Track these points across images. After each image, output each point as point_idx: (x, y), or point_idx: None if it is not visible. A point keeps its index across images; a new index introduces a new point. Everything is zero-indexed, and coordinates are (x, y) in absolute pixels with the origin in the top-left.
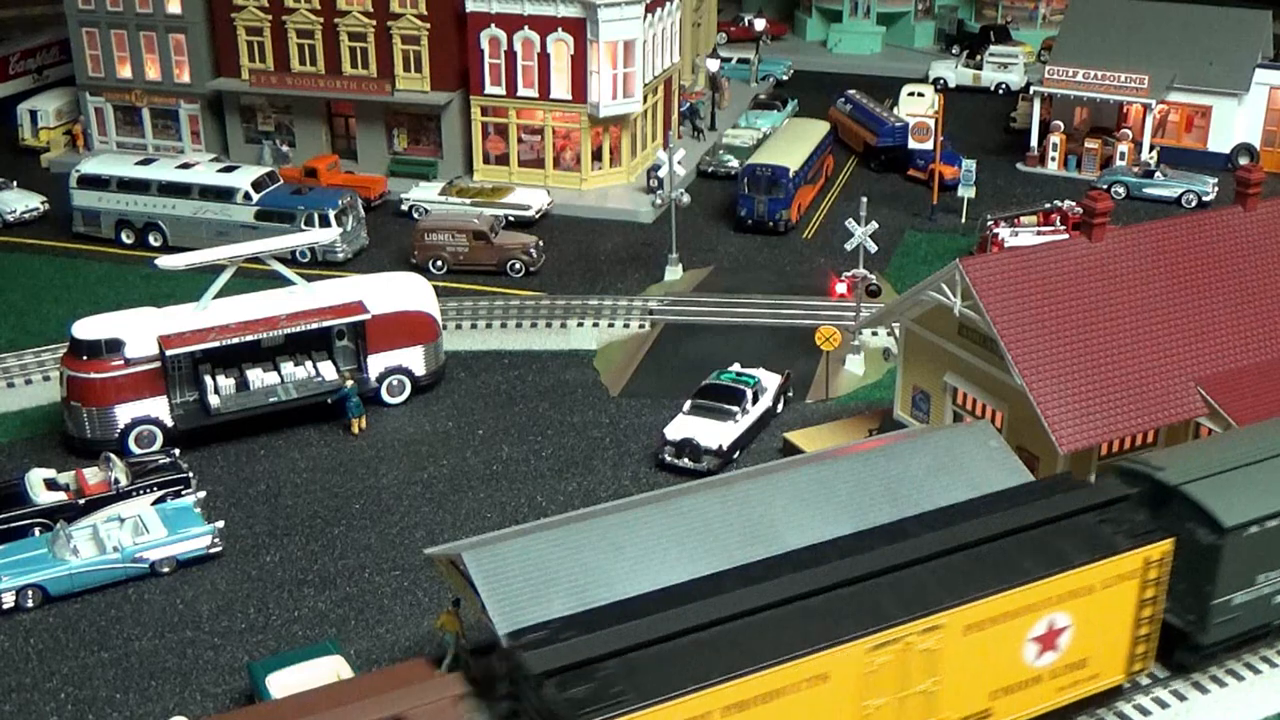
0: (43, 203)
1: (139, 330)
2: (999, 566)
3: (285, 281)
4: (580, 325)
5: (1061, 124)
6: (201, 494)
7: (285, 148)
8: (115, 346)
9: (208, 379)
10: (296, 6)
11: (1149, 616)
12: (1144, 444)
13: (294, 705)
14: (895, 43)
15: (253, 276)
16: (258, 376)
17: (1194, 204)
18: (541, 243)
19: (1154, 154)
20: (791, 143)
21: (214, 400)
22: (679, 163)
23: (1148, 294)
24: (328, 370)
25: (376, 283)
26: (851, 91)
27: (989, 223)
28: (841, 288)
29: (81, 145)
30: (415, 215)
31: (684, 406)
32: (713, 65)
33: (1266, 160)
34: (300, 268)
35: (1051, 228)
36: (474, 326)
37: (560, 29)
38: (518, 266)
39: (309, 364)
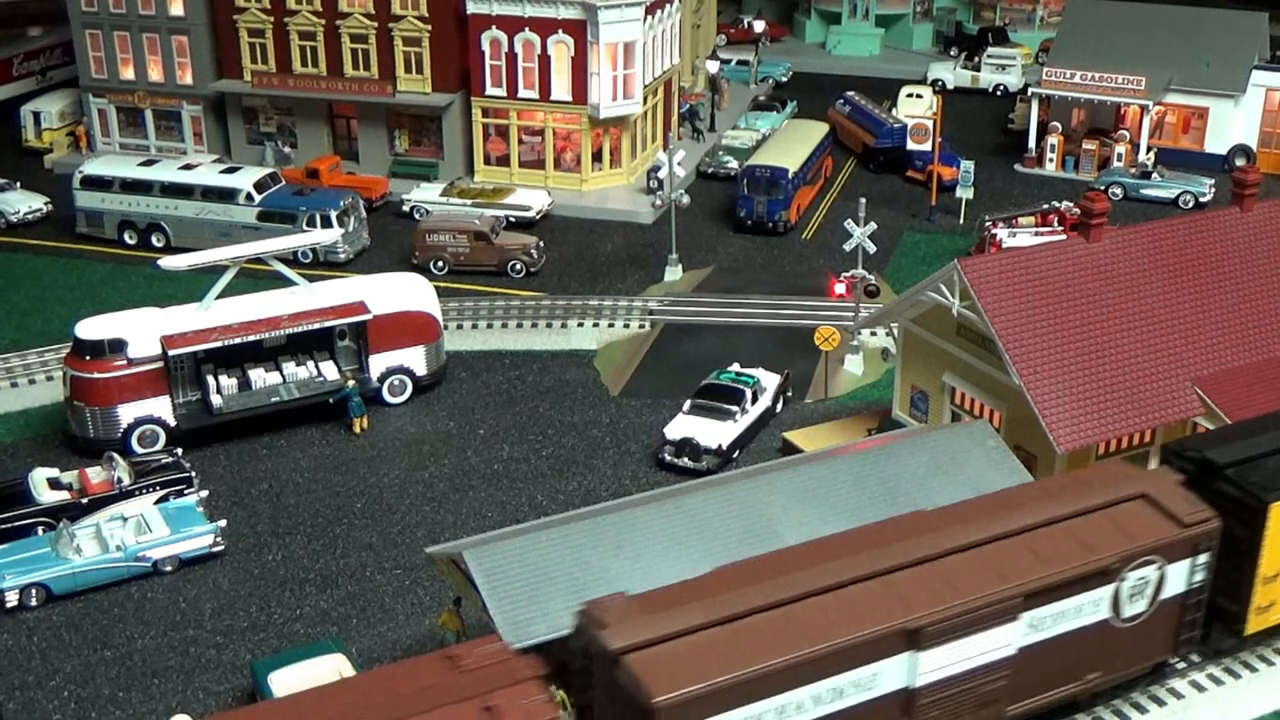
0: (46, 203)
1: (142, 330)
2: None
3: (287, 282)
4: (580, 325)
5: (1059, 125)
6: (204, 493)
7: (287, 149)
8: (118, 346)
9: (210, 379)
10: (298, 8)
11: None
12: (1141, 443)
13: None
14: (894, 44)
15: (255, 277)
16: (260, 376)
17: (1191, 205)
18: (542, 243)
19: (1151, 155)
20: (790, 144)
21: (216, 400)
22: (679, 164)
23: (1145, 294)
24: (329, 370)
25: (378, 283)
26: (850, 93)
27: (987, 223)
28: (840, 288)
29: (84, 146)
30: (416, 216)
31: (684, 406)
32: (712, 67)
33: (1263, 161)
34: (302, 268)
35: (1049, 228)
36: (475, 327)
37: (561, 31)
38: (518, 267)
39: (311, 364)
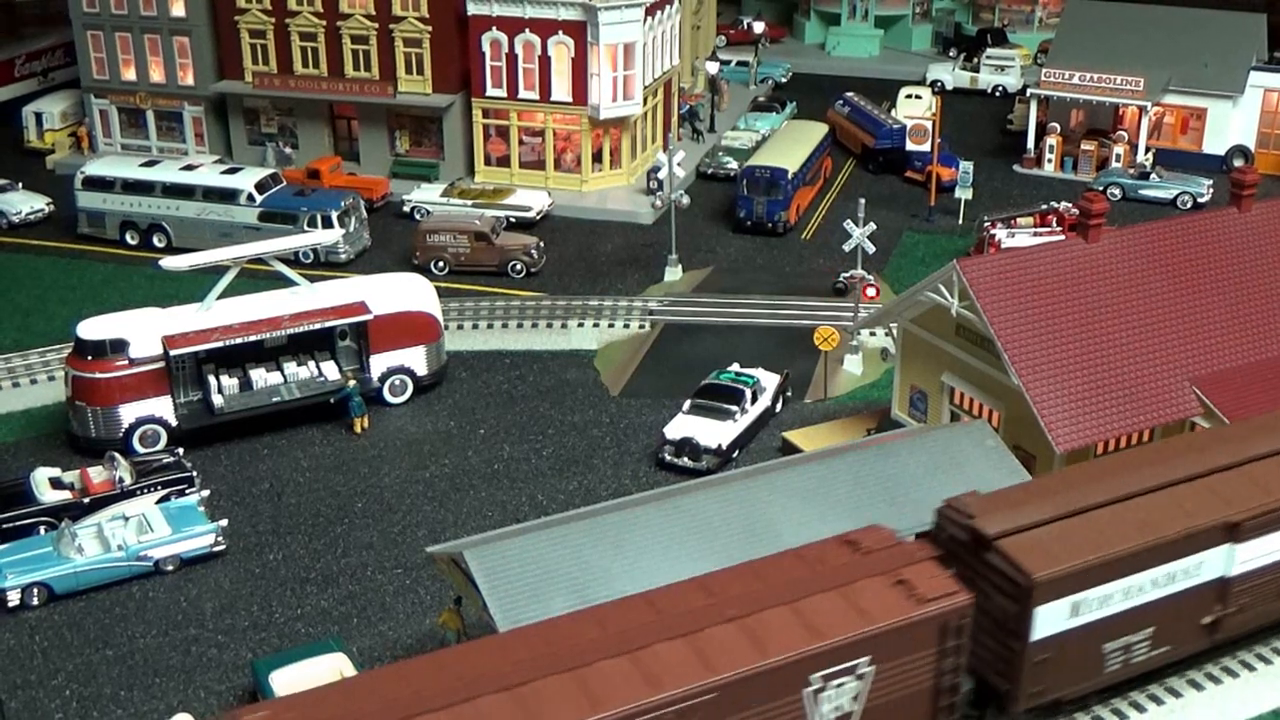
0: (48, 204)
1: (143, 330)
2: None
3: (288, 282)
4: (581, 325)
5: (1058, 126)
6: (205, 493)
7: (288, 149)
8: (120, 346)
9: (211, 379)
10: (299, 9)
11: None
12: (1139, 443)
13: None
14: (893, 45)
15: (256, 277)
16: (261, 376)
17: (1189, 205)
18: (542, 244)
19: (1150, 156)
20: (790, 144)
21: (218, 400)
22: (679, 164)
23: (1143, 295)
24: (330, 370)
25: (379, 283)
26: (849, 94)
27: (986, 224)
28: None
29: (86, 147)
30: (417, 216)
31: (683, 406)
32: (712, 68)
33: (1261, 162)
34: (303, 268)
35: (1048, 229)
36: (475, 327)
37: (561, 31)
38: (519, 267)
39: (312, 364)
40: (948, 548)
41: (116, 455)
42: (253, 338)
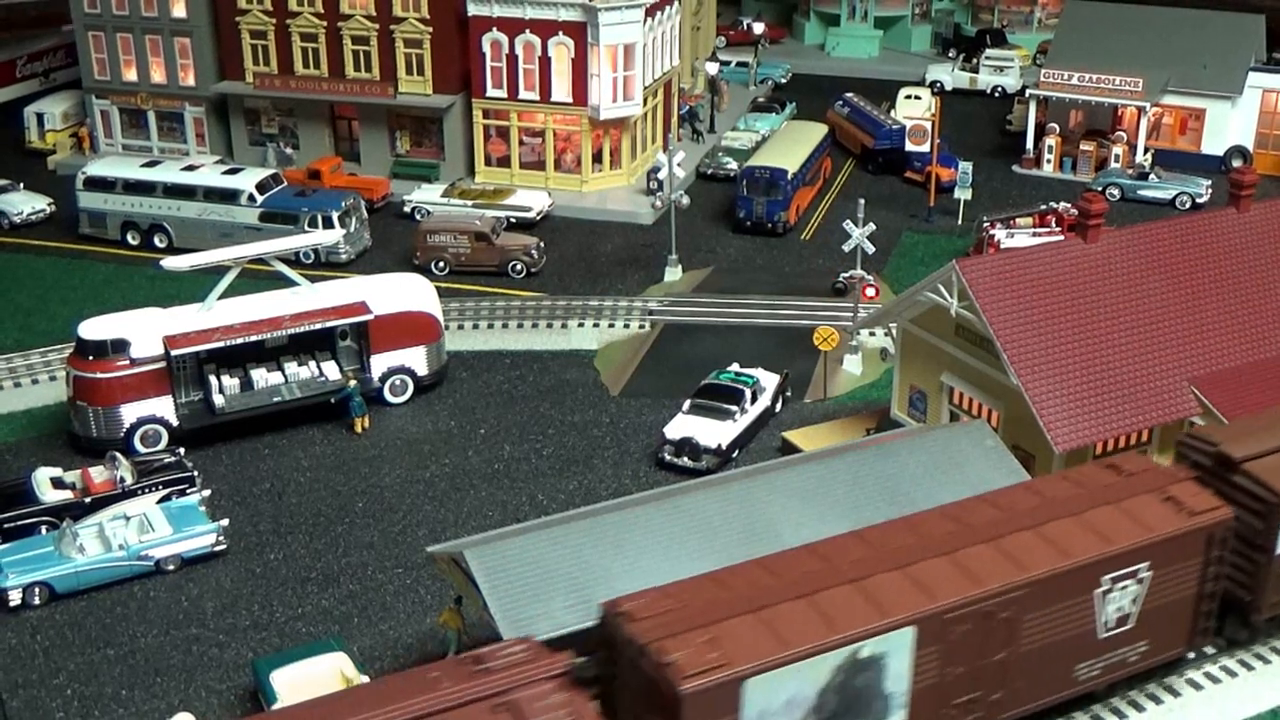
0: (49, 204)
1: (144, 330)
2: None
3: (289, 282)
4: (581, 326)
5: (1057, 126)
6: (206, 492)
7: (289, 150)
8: (121, 346)
9: (212, 379)
10: (300, 10)
11: None
12: (1138, 443)
13: None
14: (892, 46)
15: (257, 277)
16: (262, 376)
17: (1188, 206)
18: (542, 244)
19: (1148, 156)
20: (790, 145)
21: (219, 400)
22: (679, 165)
23: (1142, 295)
24: (331, 370)
25: (379, 283)
26: (849, 94)
27: (985, 224)
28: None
29: (87, 147)
30: (418, 217)
31: (683, 406)
32: (712, 68)
33: (1260, 162)
34: (304, 269)
35: (1047, 229)
36: (476, 327)
37: (561, 32)
38: (519, 267)
39: (312, 364)
40: (1193, 468)
41: (118, 455)
42: (254, 338)
